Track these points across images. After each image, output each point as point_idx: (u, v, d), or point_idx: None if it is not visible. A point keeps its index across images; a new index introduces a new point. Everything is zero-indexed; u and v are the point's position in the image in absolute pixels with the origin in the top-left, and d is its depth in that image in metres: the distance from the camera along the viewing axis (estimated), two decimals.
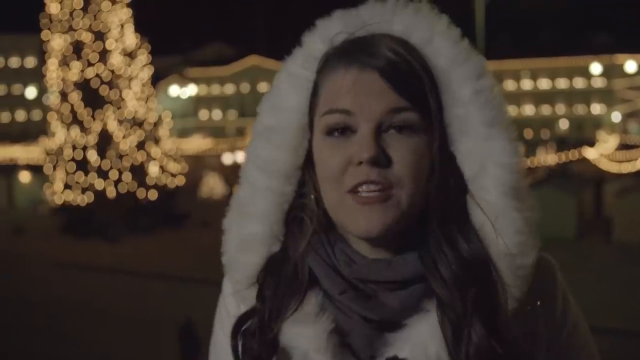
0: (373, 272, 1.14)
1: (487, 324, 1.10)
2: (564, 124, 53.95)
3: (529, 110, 53.71)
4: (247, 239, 1.21)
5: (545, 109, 53.80)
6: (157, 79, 37.36)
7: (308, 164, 1.20)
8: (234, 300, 1.26)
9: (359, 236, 1.14)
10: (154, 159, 23.05)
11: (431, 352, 1.12)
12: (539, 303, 1.20)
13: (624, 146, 36.65)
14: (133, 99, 22.75)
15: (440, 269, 1.12)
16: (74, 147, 22.16)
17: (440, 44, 1.15)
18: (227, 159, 41.83)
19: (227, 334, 1.24)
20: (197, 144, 44.66)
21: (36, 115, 56.35)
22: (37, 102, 56.25)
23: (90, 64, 22.23)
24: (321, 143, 1.16)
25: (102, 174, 22.06)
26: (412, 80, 1.12)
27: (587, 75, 52.60)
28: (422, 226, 1.15)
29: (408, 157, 1.11)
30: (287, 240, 1.20)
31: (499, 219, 1.12)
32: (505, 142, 1.14)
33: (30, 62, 58.28)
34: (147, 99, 23.37)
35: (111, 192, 22.05)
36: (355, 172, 1.11)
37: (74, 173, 22.19)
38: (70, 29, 22.30)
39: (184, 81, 58.38)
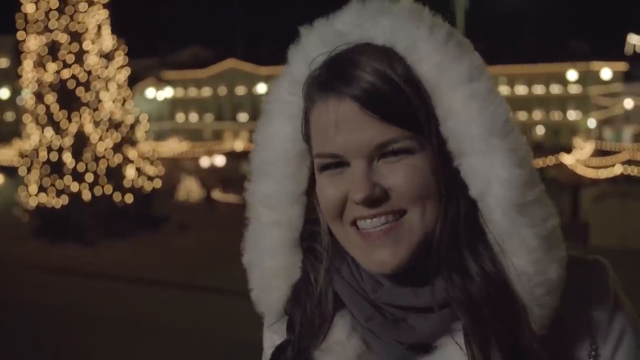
0: (399, 298, 1.08)
1: (505, 350, 1.03)
2: (540, 130, 54.41)
3: None
4: (267, 275, 1.18)
5: (522, 115, 54.22)
6: (134, 81, 37.10)
7: (312, 188, 1.13)
8: (268, 333, 1.25)
9: (373, 272, 1.09)
10: (131, 162, 22.84)
11: None
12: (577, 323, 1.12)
13: (599, 152, 37.05)
14: (109, 101, 22.54)
15: (457, 293, 1.05)
16: (49, 149, 21.89)
17: (423, 50, 1.03)
18: (204, 162, 41.64)
19: None
20: (174, 147, 44.39)
21: (9, 116, 55.77)
22: (11, 103, 55.68)
23: (66, 65, 21.97)
24: (318, 177, 1.10)
25: (78, 176, 21.80)
26: (396, 103, 1.01)
27: (564, 81, 53.12)
28: None
29: (407, 180, 1.02)
30: (307, 268, 1.16)
31: (508, 239, 1.03)
32: (506, 153, 1.02)
33: (4, 62, 57.70)
34: (124, 101, 23.17)
35: (87, 195, 21.81)
36: (353, 206, 1.05)
37: (49, 175, 21.91)
38: (47, 29, 22.03)
39: (160, 84, 58.08)
